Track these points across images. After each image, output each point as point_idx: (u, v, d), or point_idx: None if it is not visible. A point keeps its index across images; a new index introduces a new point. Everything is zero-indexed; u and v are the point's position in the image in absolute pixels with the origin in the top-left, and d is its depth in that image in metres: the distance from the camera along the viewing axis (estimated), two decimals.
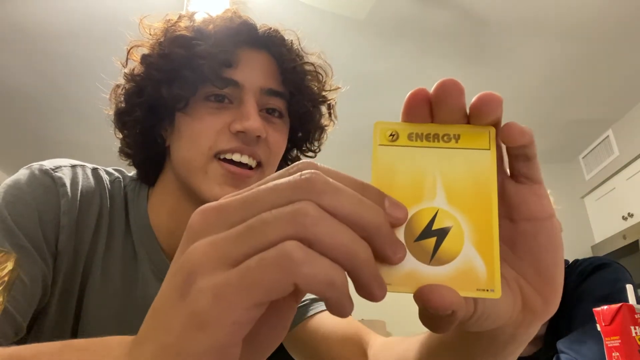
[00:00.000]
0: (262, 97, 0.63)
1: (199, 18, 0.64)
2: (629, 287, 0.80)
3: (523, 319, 0.30)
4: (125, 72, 0.64)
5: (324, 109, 0.72)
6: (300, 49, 0.67)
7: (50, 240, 0.56)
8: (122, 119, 0.65)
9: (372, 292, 0.22)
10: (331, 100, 0.72)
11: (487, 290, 0.25)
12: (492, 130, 0.27)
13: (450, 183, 0.26)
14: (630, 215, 3.02)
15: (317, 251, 0.20)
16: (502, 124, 0.27)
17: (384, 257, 0.23)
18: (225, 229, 0.22)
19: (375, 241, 0.22)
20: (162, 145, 0.66)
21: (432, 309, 0.24)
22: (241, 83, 0.61)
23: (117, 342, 0.24)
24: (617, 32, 2.36)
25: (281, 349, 0.68)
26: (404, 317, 2.15)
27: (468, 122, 0.27)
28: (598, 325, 0.75)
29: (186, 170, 0.61)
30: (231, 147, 0.59)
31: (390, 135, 0.27)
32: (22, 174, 0.58)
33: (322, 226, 0.21)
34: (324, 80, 0.70)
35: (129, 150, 0.67)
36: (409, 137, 0.27)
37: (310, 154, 0.74)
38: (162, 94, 0.60)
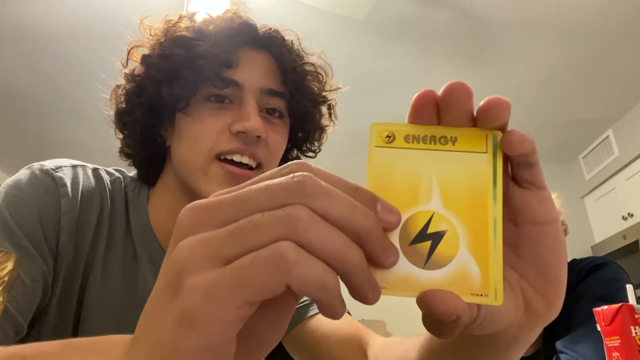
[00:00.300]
0: (262, 97, 0.63)
1: (199, 18, 0.64)
2: (629, 287, 0.79)
3: (526, 321, 0.30)
4: (125, 73, 0.64)
5: (324, 109, 0.72)
6: (300, 49, 0.67)
7: (51, 240, 0.56)
8: (123, 119, 0.65)
9: (365, 295, 0.22)
10: (331, 101, 0.72)
11: (481, 295, 0.24)
12: (490, 133, 0.27)
13: (447, 186, 0.26)
14: (630, 215, 3.02)
15: None
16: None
17: (376, 261, 0.23)
18: (215, 227, 0.22)
19: (367, 245, 0.22)
20: (163, 146, 0.66)
21: (436, 315, 0.23)
22: (241, 83, 0.61)
23: (117, 341, 0.24)
24: (617, 32, 2.36)
25: (281, 349, 0.68)
26: (404, 317, 2.16)
27: (474, 125, 0.27)
28: (597, 325, 0.75)
29: (186, 171, 0.61)
30: (232, 148, 0.59)
31: (387, 136, 0.27)
32: (23, 174, 0.58)
33: (314, 231, 0.20)
34: (324, 81, 0.70)
35: (129, 151, 0.68)
36: (406, 138, 0.27)
37: (310, 154, 0.74)
38: (162, 94, 0.60)
